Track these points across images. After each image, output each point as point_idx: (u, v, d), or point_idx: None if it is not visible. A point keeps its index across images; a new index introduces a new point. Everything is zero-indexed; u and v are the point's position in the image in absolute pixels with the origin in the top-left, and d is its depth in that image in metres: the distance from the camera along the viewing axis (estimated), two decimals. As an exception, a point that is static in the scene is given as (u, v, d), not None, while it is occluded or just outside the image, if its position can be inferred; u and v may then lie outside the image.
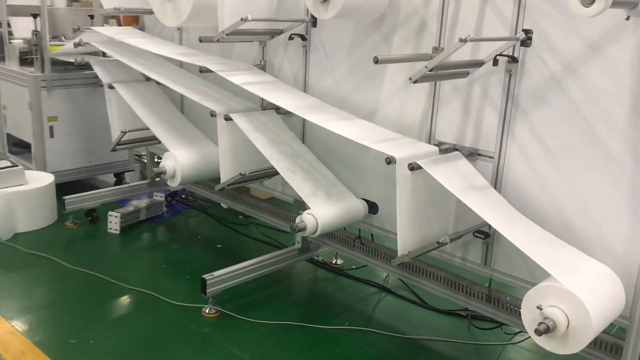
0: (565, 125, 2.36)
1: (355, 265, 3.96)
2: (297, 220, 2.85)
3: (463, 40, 2.18)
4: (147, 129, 4.01)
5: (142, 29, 4.47)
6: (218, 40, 3.11)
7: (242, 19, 2.90)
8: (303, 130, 3.46)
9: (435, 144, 2.79)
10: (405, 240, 2.52)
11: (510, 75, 2.50)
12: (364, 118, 3.04)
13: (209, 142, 3.91)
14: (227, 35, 3.05)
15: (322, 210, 2.89)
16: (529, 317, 2.14)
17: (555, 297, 2.04)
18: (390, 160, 2.46)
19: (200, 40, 3.24)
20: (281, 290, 3.66)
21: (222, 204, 4.68)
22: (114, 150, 4.09)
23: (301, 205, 3.56)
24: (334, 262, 4.07)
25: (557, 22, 2.33)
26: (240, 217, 4.76)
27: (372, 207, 3.14)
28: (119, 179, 5.50)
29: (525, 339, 3.23)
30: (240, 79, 3.19)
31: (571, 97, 2.34)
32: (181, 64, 4.16)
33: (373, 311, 3.49)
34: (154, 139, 4.15)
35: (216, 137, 3.80)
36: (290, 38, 3.30)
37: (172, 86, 3.57)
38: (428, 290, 3.14)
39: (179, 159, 3.60)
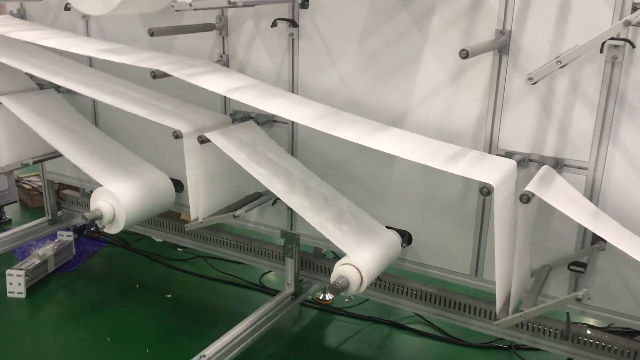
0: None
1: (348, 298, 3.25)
2: (336, 277, 2.09)
3: (628, 24, 1.55)
4: (55, 154, 2.96)
5: (22, 17, 3.30)
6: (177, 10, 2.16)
7: (230, 1, 2.02)
8: (292, 142, 2.65)
9: (500, 154, 2.18)
10: (512, 292, 1.89)
11: (613, 63, 1.93)
12: (389, 124, 2.33)
13: (148, 166, 2.94)
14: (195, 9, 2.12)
15: (361, 257, 2.15)
16: None
17: None
18: (489, 191, 1.79)
19: (152, 34, 2.29)
20: (280, 352, 2.85)
21: (154, 237, 3.70)
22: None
23: (292, 239, 2.79)
24: (321, 297, 3.33)
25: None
26: (179, 249, 3.81)
27: (404, 238, 2.46)
28: (-4, 215, 4.23)
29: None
30: (219, 84, 2.31)
31: None
32: (90, 62, 3.12)
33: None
34: (53, 154, 3.09)
35: (150, 157, 2.95)
36: (274, 24, 2.46)
37: (105, 100, 2.55)
38: (477, 330, 2.55)
39: (119, 197, 2.62)
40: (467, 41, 2.15)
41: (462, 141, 2.24)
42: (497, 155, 2.18)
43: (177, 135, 2.36)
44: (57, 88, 3.18)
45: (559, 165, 2.09)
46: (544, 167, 2.03)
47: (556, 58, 1.65)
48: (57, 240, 3.68)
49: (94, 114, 3.23)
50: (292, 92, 2.57)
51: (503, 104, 2.14)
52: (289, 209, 2.72)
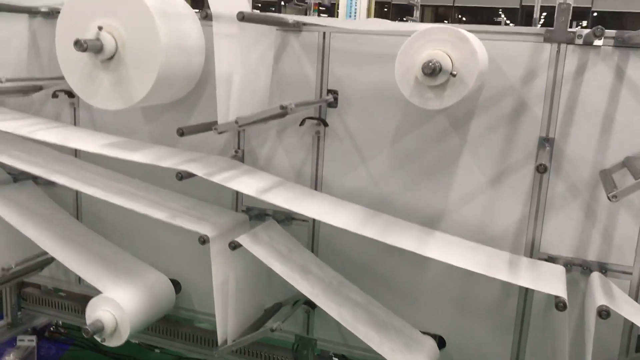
0: None
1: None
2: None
3: None
4: (44, 255, 2.66)
5: (-6, 101, 3.01)
6: (220, 132, 2.06)
7: (282, 107, 1.92)
8: (313, 241, 2.53)
9: (542, 258, 2.17)
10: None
11: (658, 172, 2.00)
12: (423, 225, 2.29)
13: (145, 267, 2.71)
14: (240, 126, 2.02)
15: (413, 371, 2.03)
16: None
17: None
18: (565, 305, 1.76)
19: (182, 134, 2.13)
20: None
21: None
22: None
23: (309, 343, 2.62)
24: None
25: None
26: (157, 350, 3.48)
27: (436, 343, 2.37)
28: None
29: None
30: (250, 185, 2.17)
31: None
32: (76, 153, 2.86)
33: None
34: (42, 264, 2.79)
35: (142, 255, 2.74)
36: (302, 123, 2.38)
37: (115, 200, 2.32)
38: None
39: (122, 305, 2.37)
40: (508, 146, 2.17)
41: (503, 244, 2.22)
42: (540, 259, 2.18)
43: (204, 240, 2.17)
44: (35, 179, 2.90)
45: (602, 269, 2.11)
46: (597, 275, 2.04)
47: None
48: (16, 346, 3.26)
49: (76, 207, 2.95)
50: (316, 190, 2.47)
51: (545, 209, 2.16)
52: (307, 312, 2.57)
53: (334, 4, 12.16)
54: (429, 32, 1.82)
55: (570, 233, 2.14)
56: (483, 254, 2.06)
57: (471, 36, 1.87)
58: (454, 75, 1.76)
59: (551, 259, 2.16)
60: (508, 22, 17.68)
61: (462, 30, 1.86)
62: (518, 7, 17.06)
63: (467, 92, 1.80)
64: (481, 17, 18.18)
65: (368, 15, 11.00)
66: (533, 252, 2.20)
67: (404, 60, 1.84)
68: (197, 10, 2.27)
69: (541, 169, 1.77)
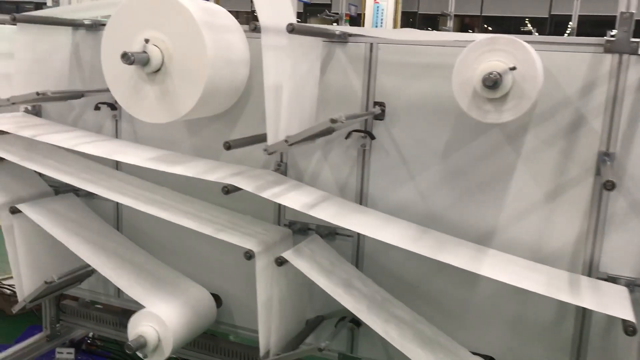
0: None
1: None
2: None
3: None
4: (85, 267, 2.64)
5: (37, 114, 3.01)
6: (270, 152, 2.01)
7: (333, 120, 1.87)
8: (357, 257, 2.47)
9: (601, 278, 2.08)
10: None
11: None
12: (474, 242, 2.21)
13: (187, 281, 2.67)
14: (290, 145, 1.97)
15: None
16: None
17: None
18: (635, 330, 1.67)
19: (229, 147, 2.09)
20: None
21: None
22: (23, 310, 2.59)
23: (352, 362, 2.55)
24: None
25: None
26: (194, 365, 3.45)
27: (489, 365, 2.29)
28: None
29: None
30: (297, 200, 2.13)
31: None
32: (117, 165, 2.85)
33: None
34: (83, 276, 2.77)
35: (182, 268, 2.72)
36: (348, 136, 2.33)
37: (161, 214, 2.30)
38: None
39: (166, 321, 2.33)
40: (565, 161, 2.09)
41: (559, 263, 2.13)
42: (599, 279, 2.08)
43: (250, 255, 2.13)
44: (76, 191, 2.89)
45: (670, 291, 2.02)
46: (665, 296, 1.95)
47: None
48: (56, 358, 3.25)
49: (116, 219, 2.93)
50: (361, 204, 2.41)
51: (605, 226, 2.07)
52: (351, 329, 2.50)
53: (360, 14, 12.16)
54: (488, 42, 1.76)
55: (632, 252, 2.05)
56: (541, 273, 1.98)
57: (530, 47, 1.80)
58: (514, 69, 1.69)
59: (611, 279, 2.07)
60: (535, 31, 17.49)
61: (521, 40, 1.80)
62: (547, 16, 16.84)
63: (530, 106, 1.73)
64: (507, 26, 18.02)
65: (394, 26, 10.96)
66: (591, 271, 2.11)
67: (462, 71, 1.79)
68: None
69: (609, 186, 1.69)
